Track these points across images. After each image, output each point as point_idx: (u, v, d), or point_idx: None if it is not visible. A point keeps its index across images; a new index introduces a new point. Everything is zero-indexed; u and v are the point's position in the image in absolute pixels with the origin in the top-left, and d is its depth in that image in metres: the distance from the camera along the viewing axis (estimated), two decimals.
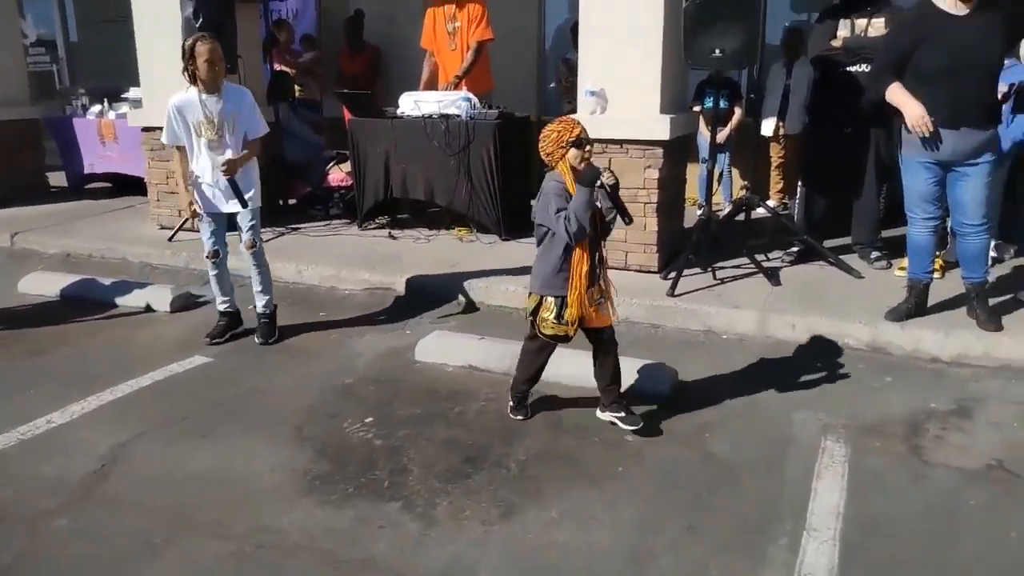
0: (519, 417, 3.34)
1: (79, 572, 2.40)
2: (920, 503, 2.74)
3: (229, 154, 4.03)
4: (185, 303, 4.86)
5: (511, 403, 3.37)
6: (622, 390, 3.36)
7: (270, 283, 4.34)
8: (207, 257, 4.21)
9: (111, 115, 7.58)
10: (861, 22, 4.84)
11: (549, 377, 3.48)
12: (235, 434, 3.26)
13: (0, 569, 2.41)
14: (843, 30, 4.91)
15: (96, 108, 7.79)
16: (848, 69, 4.87)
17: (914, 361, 3.90)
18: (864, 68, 4.80)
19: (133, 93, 7.17)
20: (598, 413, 3.29)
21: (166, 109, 4.02)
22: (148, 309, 4.79)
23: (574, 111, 7.34)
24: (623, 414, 3.20)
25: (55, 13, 10.64)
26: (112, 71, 9.59)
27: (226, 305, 4.31)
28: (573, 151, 2.99)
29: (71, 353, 4.17)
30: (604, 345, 3.22)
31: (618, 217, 3.06)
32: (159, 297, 4.83)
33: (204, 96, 3.97)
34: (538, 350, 3.26)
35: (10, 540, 2.55)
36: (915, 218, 4.03)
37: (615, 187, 3.00)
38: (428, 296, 4.91)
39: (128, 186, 7.58)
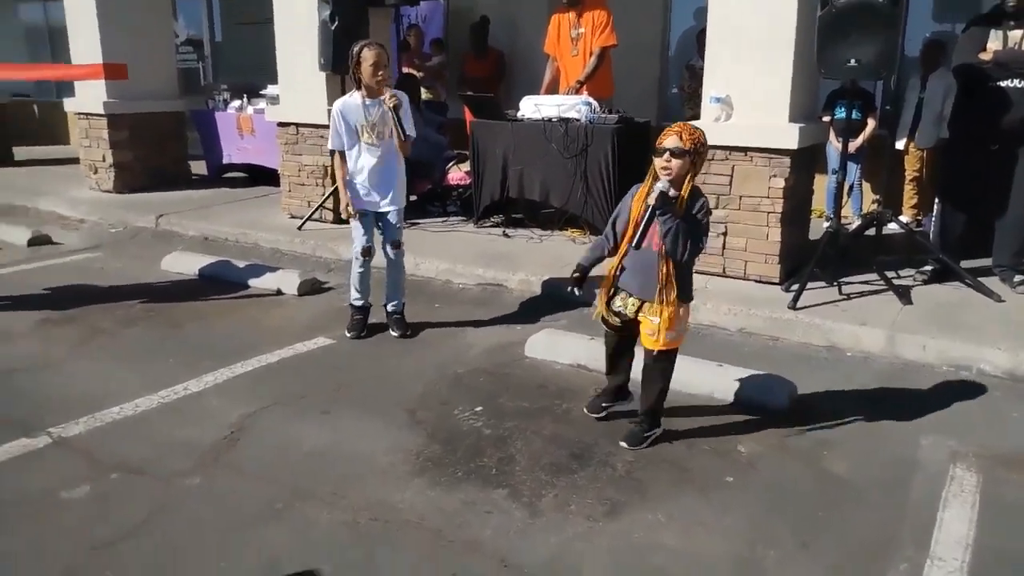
0: (586, 411, 3.34)
1: (207, 529, 2.56)
2: None
3: (386, 161, 4.16)
4: (311, 288, 5.09)
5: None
6: (737, 399, 3.31)
7: (403, 286, 4.44)
8: (360, 255, 4.28)
9: (249, 110, 8.03)
10: (1015, 34, 4.53)
11: None
12: (353, 413, 3.39)
13: (138, 520, 2.60)
14: (994, 42, 4.61)
15: (236, 103, 8.27)
16: (998, 84, 4.57)
17: None
18: (1017, 83, 4.52)
19: (271, 90, 7.58)
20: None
21: (331, 114, 4.15)
22: (278, 292, 5.05)
23: (695, 118, 7.26)
24: (634, 428, 3.15)
25: (203, 14, 11.38)
26: (252, 69, 10.18)
27: (362, 301, 4.36)
28: (656, 160, 2.86)
29: (206, 328, 4.45)
30: (644, 367, 3.10)
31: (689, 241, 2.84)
32: (287, 281, 5.09)
33: (368, 101, 4.08)
34: (605, 336, 3.28)
35: (148, 494, 2.75)
36: None
37: (653, 209, 2.79)
38: (540, 294, 4.95)
39: (262, 177, 8.01)
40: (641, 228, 2.83)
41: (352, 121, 4.10)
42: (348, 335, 4.31)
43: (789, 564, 2.42)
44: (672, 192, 2.82)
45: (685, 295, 3.02)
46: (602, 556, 2.45)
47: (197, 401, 3.49)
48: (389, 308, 4.42)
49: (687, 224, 2.83)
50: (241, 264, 5.43)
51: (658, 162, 2.84)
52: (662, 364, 3.06)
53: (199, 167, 8.66)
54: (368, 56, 3.99)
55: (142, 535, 2.52)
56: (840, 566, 2.41)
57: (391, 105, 4.00)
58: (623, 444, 3.10)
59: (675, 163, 2.79)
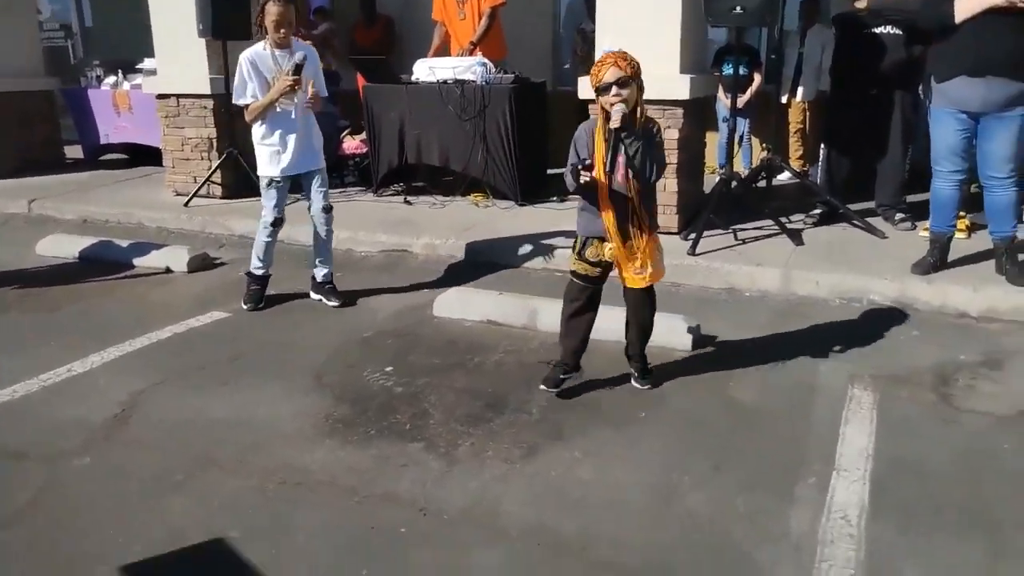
0: (542, 387, 3.06)
1: (101, 506, 2.39)
2: (951, 446, 2.69)
3: (301, 115, 3.94)
4: (202, 263, 4.84)
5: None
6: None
7: (331, 251, 4.29)
8: (270, 224, 4.07)
9: (126, 86, 7.55)
10: None
11: None
12: (255, 383, 3.24)
13: (23, 503, 2.40)
14: None
15: (111, 79, 7.75)
16: (873, 30, 4.77)
17: (941, 316, 3.84)
18: (890, 29, 4.73)
19: (147, 64, 7.13)
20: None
21: (237, 65, 3.87)
22: (167, 271, 4.77)
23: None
24: (636, 373, 3.15)
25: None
26: (125, 47, 9.59)
27: (263, 270, 4.16)
28: (600, 99, 2.78)
29: (89, 309, 4.16)
30: (632, 305, 3.07)
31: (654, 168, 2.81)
32: (176, 258, 4.82)
33: (277, 52, 3.88)
34: (567, 294, 3.07)
35: (32, 478, 2.54)
36: (941, 171, 3.96)
37: (618, 132, 2.72)
38: (446, 257, 4.88)
39: (144, 157, 7.56)
40: (609, 157, 2.75)
41: (263, 72, 3.87)
42: (245, 307, 4.10)
43: (703, 486, 2.47)
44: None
45: (655, 223, 2.98)
46: (521, 494, 2.42)
47: (83, 381, 3.25)
48: (319, 277, 4.23)
49: (650, 144, 2.80)
50: (124, 243, 5.10)
51: (605, 99, 2.73)
52: (651, 298, 3.06)
53: (74, 152, 8.09)
54: (272, 11, 3.79)
55: (30, 517, 2.33)
56: (752, 484, 2.47)
57: (309, 105, 3.88)
58: (643, 387, 3.10)
59: (625, 92, 2.71)
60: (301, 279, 4.41)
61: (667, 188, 4.85)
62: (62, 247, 5.18)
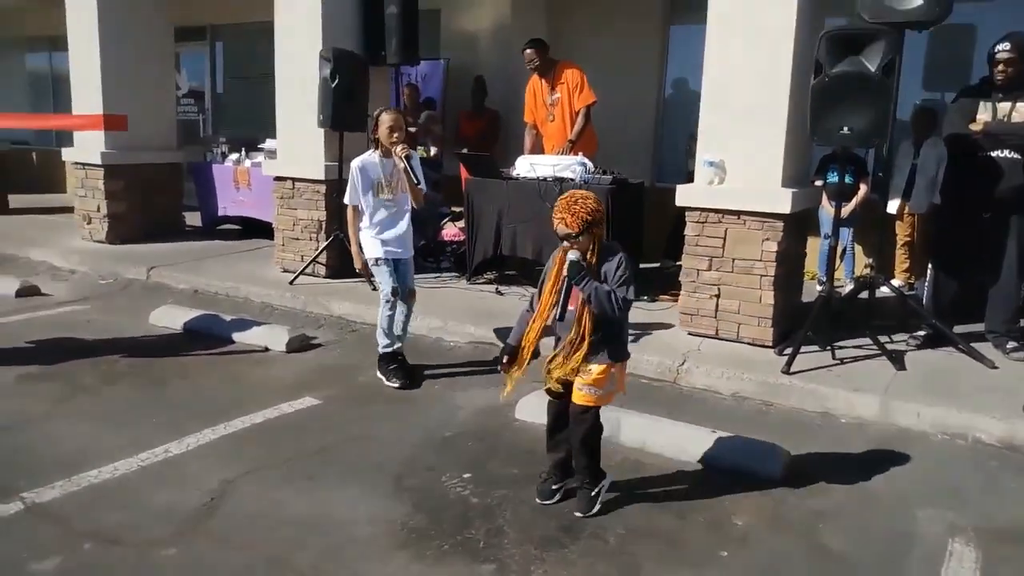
0: (537, 500, 3.15)
1: None
2: None
3: (403, 213, 4.48)
4: (300, 344, 5.04)
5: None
6: (730, 466, 3.25)
7: (406, 331, 4.65)
8: (391, 295, 4.45)
9: (247, 163, 8.07)
10: (1004, 106, 4.60)
11: (649, 446, 3.38)
12: (337, 479, 3.31)
13: None
14: (983, 113, 4.67)
15: (234, 156, 8.32)
16: (989, 154, 4.62)
17: None
18: (1008, 154, 4.57)
19: (268, 144, 7.62)
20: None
21: (350, 170, 4.41)
22: (265, 349, 4.99)
23: (690, 174, 7.30)
24: (578, 487, 3.11)
25: (206, 67, 11.54)
26: (252, 123, 10.30)
27: (394, 347, 4.54)
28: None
29: (191, 386, 4.37)
30: (571, 419, 3.06)
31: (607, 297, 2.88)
32: (276, 337, 5.03)
33: (383, 159, 4.39)
34: (548, 409, 3.21)
35: (122, 566, 2.65)
36: None
37: (568, 279, 2.88)
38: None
39: (256, 230, 8.01)
40: (561, 298, 2.93)
41: (371, 176, 4.38)
42: (395, 384, 4.41)
43: None
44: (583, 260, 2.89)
45: (618, 355, 3.02)
46: None
47: (178, 464, 3.40)
48: (396, 351, 4.56)
49: (606, 284, 2.88)
50: (229, 319, 5.37)
51: (564, 245, 2.92)
52: (586, 418, 3.03)
53: (193, 218, 8.66)
54: (386, 119, 4.34)
55: None
56: None
57: (402, 156, 4.29)
58: (577, 514, 3.04)
59: (580, 241, 2.86)
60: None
61: (763, 300, 4.76)
62: (173, 318, 5.49)
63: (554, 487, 3.16)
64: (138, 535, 2.82)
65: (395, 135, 4.32)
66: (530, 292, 5.98)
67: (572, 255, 2.87)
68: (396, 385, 4.39)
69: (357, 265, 4.54)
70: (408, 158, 4.31)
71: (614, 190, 5.77)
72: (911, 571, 2.74)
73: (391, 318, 4.49)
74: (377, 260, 4.43)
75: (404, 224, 4.49)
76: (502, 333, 5.10)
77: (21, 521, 2.90)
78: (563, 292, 2.93)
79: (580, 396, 3.02)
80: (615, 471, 3.34)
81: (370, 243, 4.45)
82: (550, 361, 3.05)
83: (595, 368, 2.97)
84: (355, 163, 4.40)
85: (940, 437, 3.82)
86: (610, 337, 3.00)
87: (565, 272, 2.88)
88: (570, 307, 2.96)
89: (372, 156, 4.42)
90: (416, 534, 2.89)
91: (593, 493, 3.08)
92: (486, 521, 3.00)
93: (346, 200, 4.47)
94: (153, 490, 3.16)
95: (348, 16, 6.48)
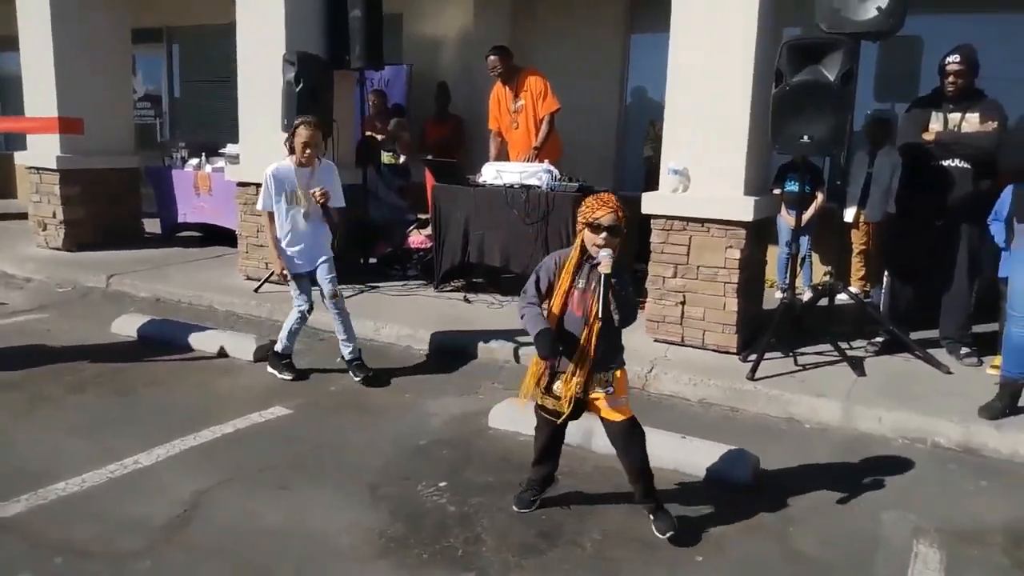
0: (514, 508, 3.14)
1: None
2: None
3: (314, 221, 4.51)
4: (266, 353, 4.97)
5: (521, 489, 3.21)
6: (701, 472, 3.28)
7: (352, 330, 4.65)
8: (306, 314, 4.59)
9: (207, 168, 7.96)
10: (954, 116, 4.77)
11: None
12: (313, 488, 3.29)
13: None
14: (935, 123, 4.85)
15: (194, 161, 8.19)
16: (942, 163, 4.79)
17: (1011, 466, 3.71)
18: (958, 163, 4.74)
19: (230, 149, 7.54)
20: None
21: (263, 177, 4.43)
22: (231, 357, 4.93)
23: (648, 159, 7.40)
24: (651, 516, 2.99)
25: (163, 71, 11.34)
26: (211, 127, 10.15)
27: (288, 353, 4.67)
28: (588, 233, 2.80)
29: (158, 395, 4.30)
30: (614, 439, 2.99)
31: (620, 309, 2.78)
32: (243, 346, 4.97)
33: (300, 169, 4.43)
34: (537, 425, 3.10)
35: None
36: (1017, 316, 3.90)
37: (608, 277, 2.72)
38: (502, 361, 4.93)
39: (216, 237, 7.90)
40: (599, 298, 2.73)
41: (285, 185, 4.42)
42: (288, 376, 4.56)
43: None
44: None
45: (623, 360, 2.99)
46: None
47: (148, 476, 3.35)
48: (347, 356, 4.62)
49: (626, 289, 2.83)
50: (194, 327, 5.30)
51: (593, 237, 2.77)
52: (638, 431, 2.96)
53: (152, 225, 8.49)
54: (302, 134, 4.36)
55: None
56: None
57: (319, 202, 4.42)
58: (667, 535, 2.90)
59: (614, 241, 2.76)
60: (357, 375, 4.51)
61: (727, 307, 4.87)
62: (136, 326, 5.39)
63: (533, 498, 3.16)
64: (110, 548, 2.77)
65: (307, 152, 4.37)
66: (498, 300, 6.07)
67: (609, 252, 2.72)
68: (288, 377, 4.54)
69: (276, 270, 4.56)
70: (324, 203, 4.43)
71: (581, 197, 5.82)
72: (880, 572, 2.83)
73: (292, 332, 4.61)
74: (290, 277, 4.53)
75: (317, 231, 4.53)
76: (462, 337, 5.12)
77: None
78: (601, 293, 2.73)
79: (615, 411, 2.92)
80: (591, 479, 3.39)
81: (286, 259, 4.51)
82: (549, 380, 2.94)
83: (617, 376, 2.92)
84: (269, 169, 4.44)
85: (901, 441, 3.95)
86: (619, 342, 2.95)
87: (604, 270, 2.71)
88: (577, 313, 2.85)
89: (286, 163, 4.46)
90: (395, 543, 2.89)
91: (666, 508, 3.00)
92: (464, 529, 3.01)
93: (259, 206, 4.50)
94: (124, 502, 3.11)
95: (311, 19, 6.43)
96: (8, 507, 3.02)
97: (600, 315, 2.74)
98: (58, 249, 7.68)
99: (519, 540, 2.94)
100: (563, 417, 2.97)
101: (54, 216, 7.71)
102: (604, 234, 2.75)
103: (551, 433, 3.07)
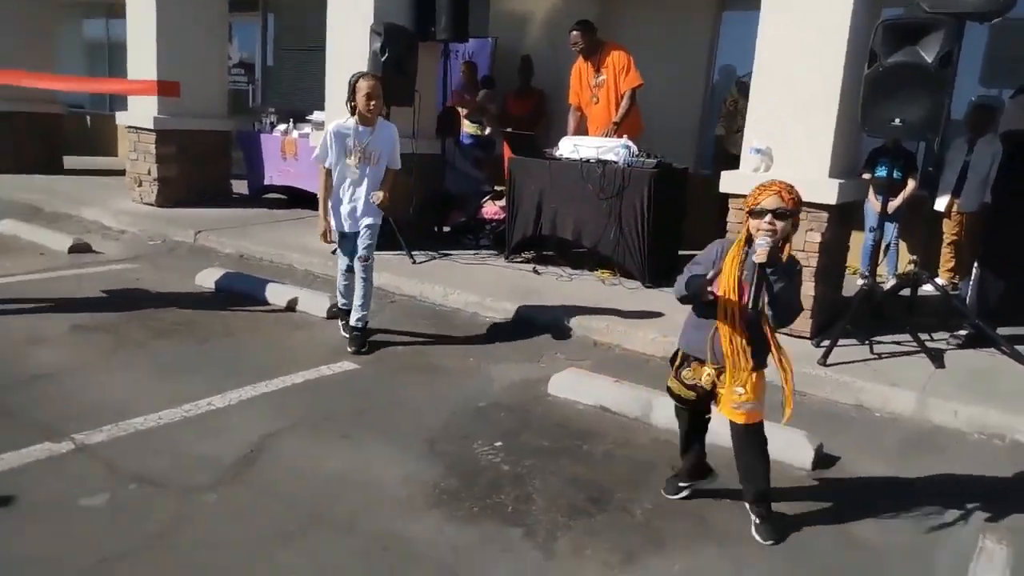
0: (663, 492, 3.05)
1: (220, 548, 2.56)
2: None
3: (367, 183, 4.42)
4: (334, 313, 5.12)
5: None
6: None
7: (370, 300, 4.59)
8: (345, 270, 4.58)
9: (294, 134, 8.19)
10: None
11: None
12: (373, 440, 3.39)
13: (152, 533, 2.60)
14: None
15: (282, 127, 8.45)
16: None
17: None
18: None
19: (316, 116, 7.73)
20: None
21: (325, 132, 4.43)
22: (305, 313, 5.09)
23: (723, 136, 7.22)
24: (756, 520, 2.83)
25: (258, 38, 11.69)
26: (300, 95, 10.44)
27: (349, 306, 4.63)
28: (752, 221, 2.60)
29: (233, 344, 4.49)
30: (734, 439, 2.84)
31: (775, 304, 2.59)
32: (316, 303, 5.13)
33: (360, 128, 4.36)
34: (675, 411, 3.01)
35: (165, 507, 2.75)
36: None
37: (763, 267, 2.53)
38: (566, 332, 4.94)
39: (301, 200, 8.14)
40: (754, 288, 2.56)
41: (345, 142, 4.36)
42: (350, 349, 4.44)
43: None
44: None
45: (764, 362, 2.77)
46: None
47: (220, 417, 3.51)
48: (352, 321, 4.56)
49: (790, 284, 2.60)
50: (274, 283, 5.49)
51: (757, 223, 2.57)
52: (758, 438, 2.81)
53: (240, 186, 8.82)
54: (363, 86, 4.25)
55: (155, 549, 2.52)
56: None
57: (377, 204, 4.39)
58: (765, 542, 2.76)
59: (779, 224, 2.55)
60: (424, 337, 4.59)
61: (803, 291, 4.71)
62: (218, 280, 5.62)
63: (682, 484, 3.05)
64: (181, 480, 2.93)
65: (372, 103, 4.26)
66: (567, 272, 6.06)
67: (767, 240, 2.52)
68: (351, 350, 4.43)
69: (319, 229, 4.55)
70: (383, 203, 4.40)
71: (657, 174, 5.76)
72: (940, 564, 2.73)
73: (347, 287, 4.61)
74: (339, 233, 4.53)
75: (362, 194, 4.44)
76: (534, 310, 5.15)
77: (71, 460, 3.03)
78: (755, 282, 2.55)
79: (739, 414, 2.76)
80: (647, 450, 3.38)
81: (334, 216, 4.51)
82: (681, 363, 2.84)
83: (753, 379, 2.72)
84: (330, 125, 4.41)
85: (977, 436, 3.78)
86: (766, 337, 2.75)
87: (758, 259, 2.51)
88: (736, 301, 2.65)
89: (348, 122, 4.37)
90: (448, 495, 2.96)
91: (771, 519, 2.83)
92: (516, 488, 3.05)
93: (315, 157, 4.46)
94: (196, 439, 3.27)
95: None
96: (92, 435, 3.22)
97: (753, 305, 2.56)
98: (151, 205, 8.06)
99: (569, 502, 2.96)
100: (692, 404, 2.89)
101: (149, 173, 8.10)
102: (768, 217, 2.54)
103: (687, 419, 2.96)
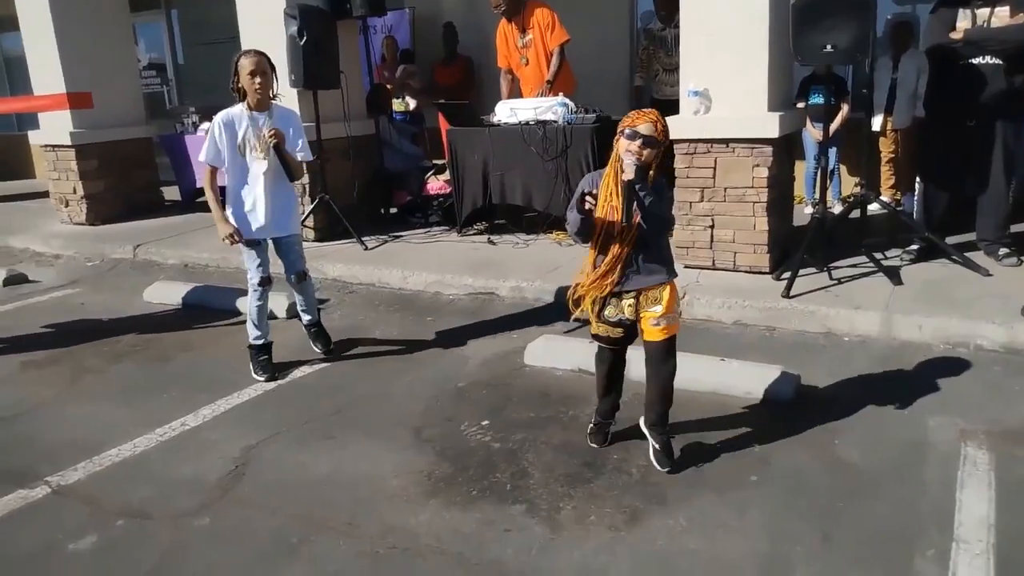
0: (593, 444, 3.12)
1: (222, 571, 2.49)
2: None
3: (270, 179, 3.84)
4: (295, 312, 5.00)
5: (590, 424, 3.18)
6: (742, 393, 3.27)
7: (315, 303, 4.28)
8: (258, 285, 3.98)
9: None
10: (983, 12, 4.57)
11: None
12: (358, 437, 3.33)
13: (150, 567, 2.51)
14: (963, 21, 4.64)
15: (205, 126, 8.12)
16: (971, 61, 4.61)
17: None
18: (988, 60, 4.56)
19: None
20: (640, 424, 3.05)
21: (211, 124, 3.81)
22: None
23: (640, 86, 7.22)
24: (657, 446, 2.94)
25: (164, 37, 11.21)
26: (218, 90, 10.03)
27: (263, 339, 4.04)
28: (623, 141, 2.70)
29: (197, 359, 4.36)
30: (648, 359, 2.91)
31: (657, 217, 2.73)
32: (275, 304, 4.98)
33: (254, 113, 3.79)
34: (597, 356, 3.07)
35: (157, 538, 2.66)
36: None
37: (631, 184, 2.65)
38: (532, 300, 4.92)
39: None
40: (625, 203, 2.67)
41: (238, 134, 3.78)
42: (261, 378, 3.94)
43: (814, 560, 2.41)
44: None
45: (673, 271, 2.90)
46: (627, 566, 2.42)
47: (197, 436, 3.41)
48: (306, 321, 4.26)
49: (660, 199, 2.75)
50: (225, 289, 5.34)
51: (627, 144, 2.68)
52: (674, 351, 2.89)
53: (172, 192, 8.51)
54: (245, 64, 3.70)
55: None
56: (867, 556, 2.40)
57: (270, 143, 3.75)
58: (663, 468, 2.89)
59: (646, 152, 2.68)
60: (390, 324, 4.53)
61: (757, 227, 4.78)
62: (167, 294, 5.45)
63: (607, 431, 3.14)
64: (169, 508, 2.84)
65: (257, 80, 3.68)
66: (522, 239, 6.03)
67: (634, 159, 2.65)
68: (261, 378, 3.93)
69: (221, 234, 3.84)
70: (279, 144, 3.75)
71: (599, 128, 5.73)
72: (929, 476, 2.82)
73: (260, 309, 3.99)
74: (248, 242, 3.90)
75: (283, 192, 3.90)
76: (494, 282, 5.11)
77: (50, 504, 2.90)
78: (625, 201, 2.67)
79: (659, 331, 2.83)
80: (630, 406, 3.39)
81: (235, 222, 3.87)
82: (601, 307, 2.88)
83: (665, 293, 2.82)
84: (218, 116, 3.78)
85: (943, 347, 3.90)
86: (664, 251, 2.86)
87: (627, 177, 2.64)
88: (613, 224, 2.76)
89: (236, 109, 3.79)
90: (444, 482, 2.93)
91: (673, 440, 2.98)
92: (510, 464, 3.04)
93: (201, 158, 3.84)
94: (176, 463, 3.17)
95: None
96: (67, 475, 3.09)
97: (626, 219, 2.68)
98: (82, 224, 7.73)
99: (565, 471, 2.97)
100: (620, 342, 2.96)
101: (75, 192, 7.74)
102: (639, 142, 2.67)
103: (611, 361, 3.03)
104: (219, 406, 3.68)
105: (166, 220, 7.71)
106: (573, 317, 3.02)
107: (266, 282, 4.00)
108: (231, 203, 3.90)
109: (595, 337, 3.02)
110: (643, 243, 2.79)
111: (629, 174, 2.65)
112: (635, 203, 2.69)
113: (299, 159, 3.93)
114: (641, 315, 2.87)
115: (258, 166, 3.83)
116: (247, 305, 4.05)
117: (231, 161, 3.82)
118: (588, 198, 2.74)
